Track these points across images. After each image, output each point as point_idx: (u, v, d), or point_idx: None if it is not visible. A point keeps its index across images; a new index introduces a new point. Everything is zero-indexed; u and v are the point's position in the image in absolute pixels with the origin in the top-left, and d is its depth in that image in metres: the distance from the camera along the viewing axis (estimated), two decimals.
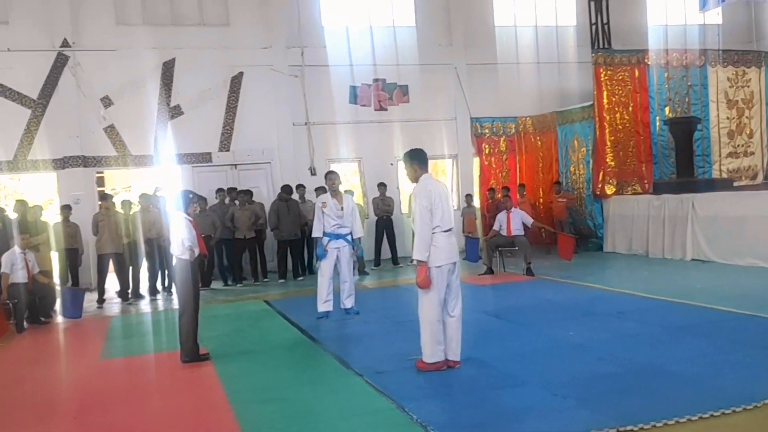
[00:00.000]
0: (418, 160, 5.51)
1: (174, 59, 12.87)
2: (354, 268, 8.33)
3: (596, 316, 7.20)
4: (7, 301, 8.68)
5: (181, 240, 6.19)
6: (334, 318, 7.85)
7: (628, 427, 3.94)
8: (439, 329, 5.34)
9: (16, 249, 8.79)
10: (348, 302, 7.95)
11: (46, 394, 5.70)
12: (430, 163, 15.38)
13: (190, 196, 6.58)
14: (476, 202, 14.33)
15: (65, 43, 12.27)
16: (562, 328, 6.68)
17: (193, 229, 6.32)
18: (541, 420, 4.19)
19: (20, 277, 8.67)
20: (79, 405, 5.31)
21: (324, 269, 7.79)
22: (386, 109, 14.28)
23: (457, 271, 5.43)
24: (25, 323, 8.66)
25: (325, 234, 7.74)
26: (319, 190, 12.16)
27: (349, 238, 7.84)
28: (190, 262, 6.25)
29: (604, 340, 6.09)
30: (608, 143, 12.88)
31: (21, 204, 10.26)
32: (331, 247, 7.74)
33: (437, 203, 5.26)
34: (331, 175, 7.96)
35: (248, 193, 12.01)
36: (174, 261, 6.32)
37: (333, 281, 7.83)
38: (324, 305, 7.77)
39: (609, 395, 4.58)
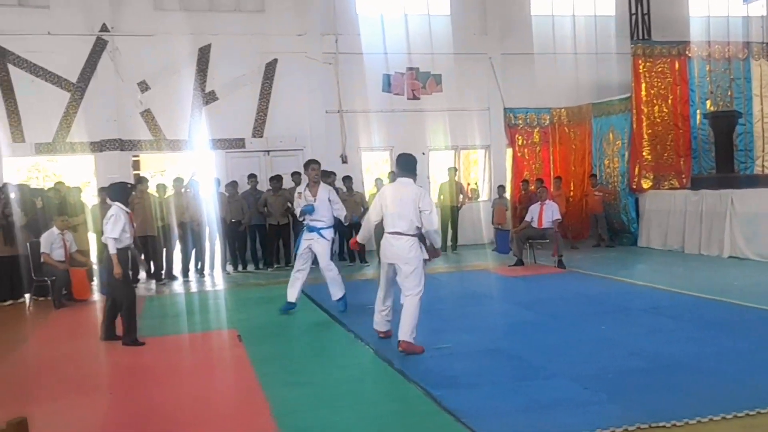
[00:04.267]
0: (398, 165, 6.10)
1: (209, 45, 12.97)
2: (332, 256, 8.11)
3: (629, 311, 7.10)
4: (45, 278, 8.96)
5: (110, 230, 6.32)
6: (362, 304, 7.68)
7: (661, 424, 3.88)
8: (378, 300, 6.13)
9: (55, 230, 9.03)
10: (335, 293, 7.62)
11: (82, 369, 5.82)
12: (463, 153, 15.37)
13: (128, 186, 6.69)
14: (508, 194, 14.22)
15: (104, 28, 12.45)
16: (593, 322, 6.61)
17: (128, 221, 6.50)
18: (570, 413, 4.15)
19: (58, 256, 8.93)
20: (115, 381, 5.43)
21: (297, 260, 7.68)
22: (419, 98, 14.21)
23: (399, 271, 5.75)
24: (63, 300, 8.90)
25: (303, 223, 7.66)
26: (347, 179, 12.24)
27: (323, 232, 7.52)
28: (124, 250, 6.43)
29: (637, 335, 6.01)
30: (645, 136, 12.63)
31: (60, 185, 10.50)
32: (304, 239, 7.57)
33: (385, 210, 5.83)
34: (312, 165, 7.65)
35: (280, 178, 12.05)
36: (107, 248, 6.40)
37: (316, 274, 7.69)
38: (290, 295, 7.68)
39: (641, 391, 4.51)
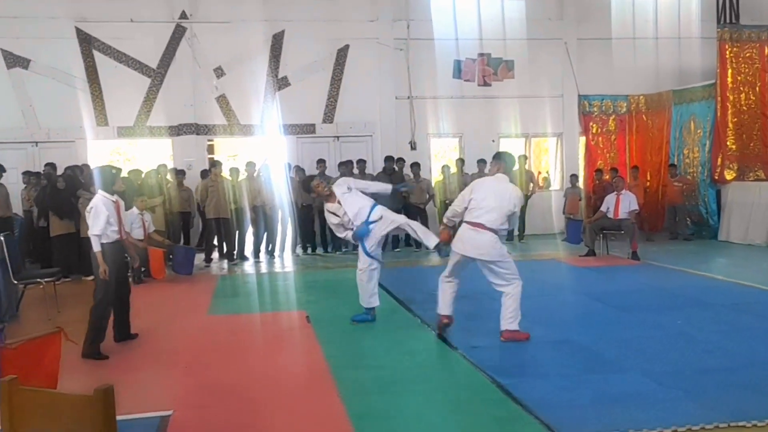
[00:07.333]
0: (499, 160, 5.95)
1: (283, 31, 13.16)
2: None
3: (707, 306, 6.81)
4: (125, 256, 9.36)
5: (91, 225, 5.56)
6: (429, 291, 7.72)
7: (741, 424, 3.73)
8: (441, 288, 5.95)
9: (135, 210, 9.43)
10: (432, 241, 6.46)
11: (159, 343, 6.09)
12: (534, 141, 15.02)
13: (113, 171, 5.86)
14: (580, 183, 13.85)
15: (183, 15, 12.84)
16: (668, 317, 6.37)
17: (115, 212, 5.69)
18: (643, 408, 4.02)
19: (137, 235, 9.32)
20: (189, 357, 5.63)
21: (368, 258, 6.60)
22: (490, 85, 13.99)
23: (490, 271, 5.63)
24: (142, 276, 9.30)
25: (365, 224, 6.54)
26: (415, 166, 12.22)
27: (373, 215, 6.50)
28: (113, 245, 5.70)
29: (716, 332, 5.77)
30: (730, 125, 12.04)
31: (162, 168, 11.30)
32: (379, 233, 6.59)
33: (476, 199, 5.64)
34: (312, 184, 6.77)
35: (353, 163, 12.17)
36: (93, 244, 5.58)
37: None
38: (370, 300, 6.66)
39: (720, 389, 4.33)
